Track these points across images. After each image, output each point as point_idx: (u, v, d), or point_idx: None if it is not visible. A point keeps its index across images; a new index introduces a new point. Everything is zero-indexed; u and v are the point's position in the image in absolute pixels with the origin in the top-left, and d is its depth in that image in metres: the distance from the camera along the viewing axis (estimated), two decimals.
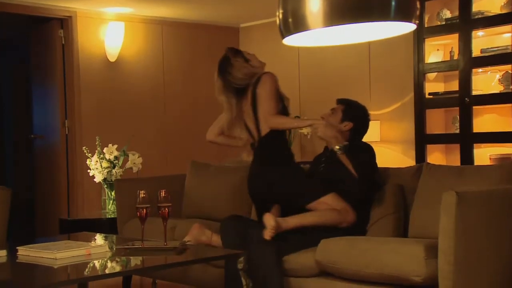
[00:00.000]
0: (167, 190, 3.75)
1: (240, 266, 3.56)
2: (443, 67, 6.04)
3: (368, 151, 4.31)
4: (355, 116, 4.41)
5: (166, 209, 3.72)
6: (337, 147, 4.14)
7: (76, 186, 6.95)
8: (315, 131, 4.20)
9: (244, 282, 3.56)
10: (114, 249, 3.83)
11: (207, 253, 3.90)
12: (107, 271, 3.45)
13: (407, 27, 3.88)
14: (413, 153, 6.27)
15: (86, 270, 3.39)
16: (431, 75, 6.24)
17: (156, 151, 7.49)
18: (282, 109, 4.29)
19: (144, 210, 3.70)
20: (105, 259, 3.57)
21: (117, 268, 3.52)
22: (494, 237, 3.44)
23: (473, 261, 3.34)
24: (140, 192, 3.72)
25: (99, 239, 4.34)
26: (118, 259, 3.60)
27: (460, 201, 3.24)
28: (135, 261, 3.61)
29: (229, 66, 4.33)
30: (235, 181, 5.03)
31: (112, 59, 7.17)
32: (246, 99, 4.32)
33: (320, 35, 4.08)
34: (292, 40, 3.98)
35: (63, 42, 7.04)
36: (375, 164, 4.29)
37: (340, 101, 4.49)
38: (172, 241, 3.92)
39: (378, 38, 4.35)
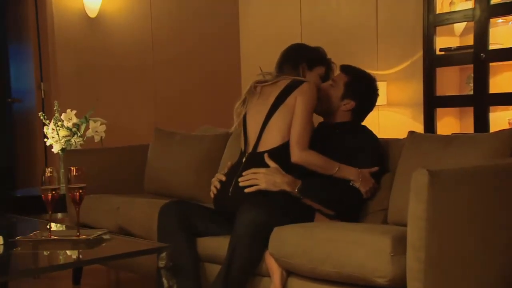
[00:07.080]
0: (80, 167, 3.04)
1: (161, 264, 2.83)
2: (457, 18, 5.19)
3: (376, 150, 3.54)
4: (360, 92, 3.60)
5: (78, 191, 3.03)
6: (296, 191, 3.30)
7: (53, 154, 6.33)
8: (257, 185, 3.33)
9: (166, 284, 2.83)
10: (12, 241, 3.09)
11: (125, 247, 3.12)
12: None
13: None
14: (422, 117, 5.48)
15: None
16: (458, 28, 5.41)
17: (144, 118, 6.79)
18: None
19: (50, 194, 3.01)
20: None
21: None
22: (480, 228, 2.70)
23: (450, 258, 2.62)
24: (47, 169, 3.01)
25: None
26: (7, 257, 2.89)
27: (434, 181, 2.52)
28: (27, 259, 2.91)
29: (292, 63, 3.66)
30: (200, 152, 4.35)
31: (92, 14, 6.47)
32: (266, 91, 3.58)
33: None
34: None
35: None
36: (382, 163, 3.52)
37: (345, 70, 3.67)
38: (89, 229, 3.20)
39: None
